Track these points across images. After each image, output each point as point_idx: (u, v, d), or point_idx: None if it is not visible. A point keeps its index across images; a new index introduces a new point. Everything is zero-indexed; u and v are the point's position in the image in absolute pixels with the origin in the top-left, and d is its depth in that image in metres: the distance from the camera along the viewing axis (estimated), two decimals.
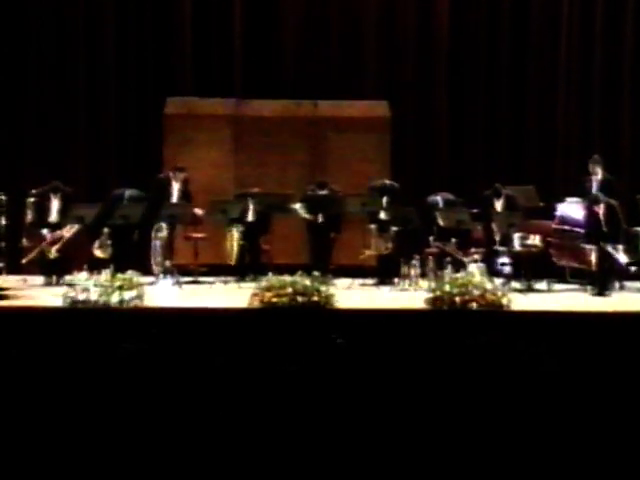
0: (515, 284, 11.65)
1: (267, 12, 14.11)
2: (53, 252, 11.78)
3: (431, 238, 12.13)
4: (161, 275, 11.85)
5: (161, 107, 13.45)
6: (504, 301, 9.59)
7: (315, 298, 9.37)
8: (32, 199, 12.27)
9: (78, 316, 8.71)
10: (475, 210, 12.29)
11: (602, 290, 11.32)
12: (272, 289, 9.40)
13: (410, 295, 11.10)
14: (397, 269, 11.94)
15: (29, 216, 12.26)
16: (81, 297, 9.33)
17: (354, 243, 12.32)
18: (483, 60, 14.18)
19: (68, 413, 6.05)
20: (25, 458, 5.78)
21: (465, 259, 11.61)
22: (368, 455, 5.86)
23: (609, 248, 11.37)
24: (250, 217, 12.33)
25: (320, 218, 12.31)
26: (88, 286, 9.46)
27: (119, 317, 8.63)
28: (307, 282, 9.45)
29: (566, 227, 12.11)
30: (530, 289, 11.64)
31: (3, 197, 12.20)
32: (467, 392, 6.14)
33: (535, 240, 11.96)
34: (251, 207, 12.31)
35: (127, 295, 9.40)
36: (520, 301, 10.10)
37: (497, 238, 12.00)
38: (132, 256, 11.72)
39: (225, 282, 11.98)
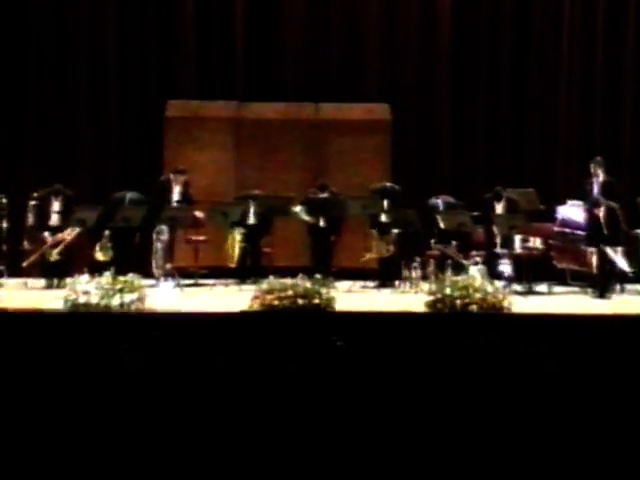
0: (516, 287, 11.64)
1: (268, 15, 14.12)
2: (54, 255, 11.78)
3: (432, 241, 12.13)
4: (162, 278, 11.84)
5: (162, 109, 13.46)
6: (505, 304, 9.57)
7: (316, 301, 9.34)
8: (33, 202, 12.28)
9: (79, 319, 8.70)
10: (476, 213, 12.30)
11: (603, 293, 11.31)
12: (273, 292, 9.38)
13: (411, 298, 11.09)
14: (398, 272, 11.94)
15: (30, 219, 12.26)
16: (82, 300, 9.32)
17: (355, 246, 12.32)
18: (484, 62, 14.19)
19: (69, 415, 6.05)
20: (26, 460, 5.78)
21: (466, 262, 11.60)
22: (370, 457, 5.86)
23: (609, 251, 11.37)
24: (251, 220, 12.32)
25: (321, 221, 12.31)
26: (89, 289, 9.45)
27: (120, 320, 8.61)
28: (308, 285, 9.43)
29: (567, 230, 12.10)
30: (531, 292, 11.64)
31: (4, 200, 12.21)
32: (467, 395, 6.14)
33: (536, 243, 11.97)
34: (252, 210, 12.30)
35: (128, 298, 9.38)
36: (521, 304, 10.09)
37: (498, 241, 11.99)
38: (133, 259, 11.72)
39: (226, 285, 11.98)
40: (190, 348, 6.66)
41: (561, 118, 14.12)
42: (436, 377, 6.32)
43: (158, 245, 12.07)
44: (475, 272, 10.90)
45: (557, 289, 11.98)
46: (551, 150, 14.09)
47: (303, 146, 13.55)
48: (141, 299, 9.53)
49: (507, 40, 14.22)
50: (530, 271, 11.82)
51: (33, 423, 6.02)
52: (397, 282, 11.97)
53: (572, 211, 12.22)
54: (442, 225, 12.03)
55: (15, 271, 12.25)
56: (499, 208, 12.32)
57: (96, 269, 10.86)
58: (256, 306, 9.35)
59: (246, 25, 14.03)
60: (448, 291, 9.55)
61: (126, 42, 13.91)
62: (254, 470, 5.87)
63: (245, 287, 11.44)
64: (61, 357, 6.51)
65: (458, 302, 9.39)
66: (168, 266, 11.97)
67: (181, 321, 7.69)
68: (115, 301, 9.33)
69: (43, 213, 12.23)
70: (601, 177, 12.25)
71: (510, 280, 11.63)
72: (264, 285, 9.63)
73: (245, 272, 12.15)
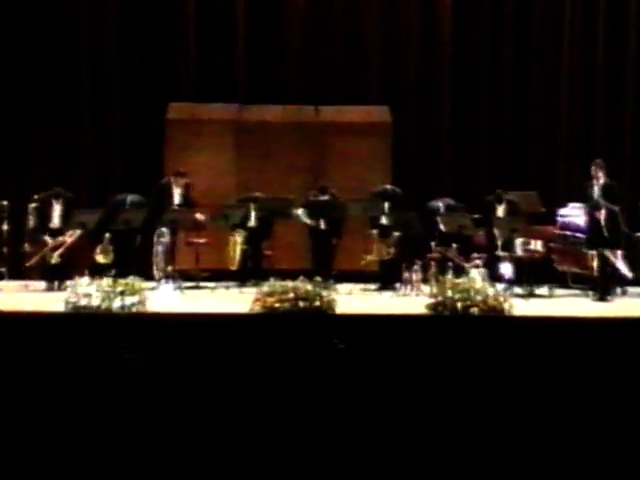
0: (517, 289, 11.64)
1: (269, 18, 14.12)
2: (55, 257, 11.79)
3: (433, 243, 12.13)
4: (163, 280, 11.84)
5: (163, 112, 13.46)
6: (506, 306, 9.57)
7: (317, 303, 9.35)
8: (34, 205, 12.29)
9: (80, 321, 8.70)
10: (477, 215, 12.29)
11: (604, 295, 11.31)
12: (274, 294, 9.39)
13: (412, 300, 11.10)
14: (399, 274, 11.94)
15: (31, 222, 12.27)
16: (83, 302, 9.32)
17: (356, 248, 12.32)
18: (486, 64, 14.18)
19: (70, 418, 6.05)
20: (26, 462, 5.78)
21: (467, 264, 11.60)
22: (372, 459, 5.86)
23: (609, 254, 11.36)
24: (252, 222, 12.33)
25: (322, 223, 12.31)
26: (90, 291, 9.45)
27: (121, 322, 8.61)
28: (309, 287, 9.44)
29: (568, 233, 12.11)
30: (532, 294, 11.64)
31: (5, 203, 12.22)
32: (468, 398, 6.14)
33: (537, 245, 11.97)
34: (253, 212, 12.32)
35: (129, 300, 9.39)
36: (522, 306, 10.09)
37: (499, 243, 11.98)
38: (134, 261, 11.73)
39: (227, 287, 11.99)
40: (191, 350, 6.66)
41: (562, 120, 14.11)
42: (437, 380, 6.31)
43: (159, 248, 12.08)
44: (476, 275, 10.89)
45: (558, 292, 11.98)
46: (552, 152, 14.09)
47: (304, 148, 13.55)
48: (142, 302, 9.54)
49: (508, 41, 14.22)
50: (531, 274, 11.83)
51: (34, 425, 6.01)
52: (398, 285, 11.96)
53: (573, 214, 12.22)
54: (443, 228, 12.03)
55: (16, 273, 12.26)
56: (500, 211, 12.31)
57: (97, 272, 10.87)
58: (257, 308, 9.36)
59: (247, 28, 14.02)
60: (449, 294, 9.56)
61: (127, 44, 13.90)
62: (255, 471, 5.87)
63: (246, 290, 11.46)
64: (62, 360, 6.50)
65: (459, 305, 9.39)
66: (169, 269, 11.97)
67: (182, 323, 7.69)
68: (116, 304, 9.34)
69: (44, 216, 12.23)
70: (602, 180, 12.21)
71: (511, 283, 11.63)
72: (265, 288, 9.64)
73: (246, 275, 12.16)
